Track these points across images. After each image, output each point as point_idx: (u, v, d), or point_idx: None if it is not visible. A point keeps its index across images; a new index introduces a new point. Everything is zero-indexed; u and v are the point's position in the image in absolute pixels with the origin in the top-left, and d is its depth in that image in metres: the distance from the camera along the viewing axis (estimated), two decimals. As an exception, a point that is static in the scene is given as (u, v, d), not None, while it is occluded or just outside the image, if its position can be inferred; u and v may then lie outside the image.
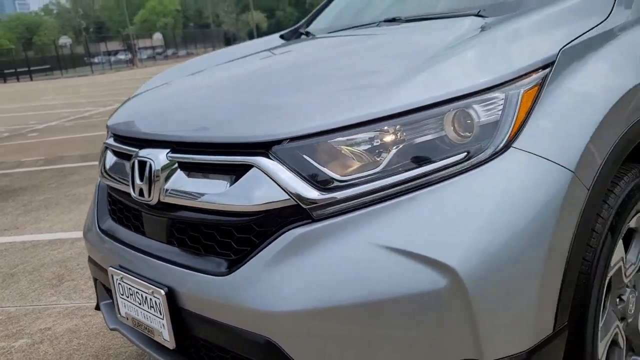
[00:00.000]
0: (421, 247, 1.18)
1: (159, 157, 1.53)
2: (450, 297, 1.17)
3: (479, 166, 1.24)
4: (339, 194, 1.26)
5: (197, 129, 1.54)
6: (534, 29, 1.49)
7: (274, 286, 1.28)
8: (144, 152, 1.58)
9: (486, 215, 1.19)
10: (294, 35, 2.71)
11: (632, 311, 1.63)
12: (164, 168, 1.52)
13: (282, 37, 2.70)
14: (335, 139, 1.30)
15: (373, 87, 1.39)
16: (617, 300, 1.58)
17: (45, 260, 3.61)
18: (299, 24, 2.91)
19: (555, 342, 1.27)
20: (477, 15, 1.84)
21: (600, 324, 1.47)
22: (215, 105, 1.63)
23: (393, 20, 2.19)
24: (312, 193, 1.27)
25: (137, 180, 1.58)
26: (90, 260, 1.97)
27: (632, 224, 1.54)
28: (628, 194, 1.45)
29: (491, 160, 1.24)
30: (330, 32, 2.43)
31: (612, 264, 1.44)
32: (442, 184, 1.23)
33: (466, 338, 1.19)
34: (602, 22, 1.55)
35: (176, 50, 63.70)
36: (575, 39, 1.44)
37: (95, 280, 2.03)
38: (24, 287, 3.23)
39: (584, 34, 1.47)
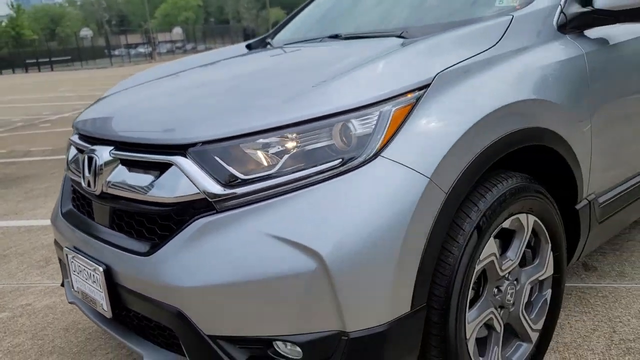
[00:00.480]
0: (297, 236, 1.43)
1: (103, 154, 1.80)
2: (318, 278, 1.42)
3: (351, 170, 1.49)
4: (238, 190, 1.52)
5: (135, 131, 1.80)
6: (423, 54, 1.73)
7: (183, 266, 1.54)
8: (93, 149, 1.85)
9: (352, 212, 1.44)
10: (260, 45, 2.97)
11: (512, 301, 1.86)
12: (107, 163, 1.79)
13: (247, 46, 2.96)
14: (241, 143, 1.56)
15: (276, 100, 1.64)
16: (495, 290, 1.81)
17: (36, 244, 3.92)
18: (267, 34, 3.17)
19: (413, 319, 1.52)
20: (399, 36, 2.09)
21: (472, 309, 1.71)
22: (152, 110, 1.90)
23: (336, 36, 2.44)
24: (216, 188, 1.52)
25: (86, 173, 1.85)
26: (55, 242, 2.25)
27: (506, 225, 1.77)
28: (499, 198, 1.69)
29: (362, 166, 1.49)
30: (286, 44, 2.69)
31: (481, 258, 1.68)
32: (320, 184, 1.48)
33: (331, 312, 1.44)
34: (487, 49, 1.78)
35: (195, 44, 64.32)
36: (455, 64, 1.67)
37: (59, 260, 2.30)
38: (13, 268, 3.54)
39: (465, 60, 1.71)
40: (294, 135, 1.54)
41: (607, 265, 2.84)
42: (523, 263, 1.93)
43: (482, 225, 1.65)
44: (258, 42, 3.03)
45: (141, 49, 59.27)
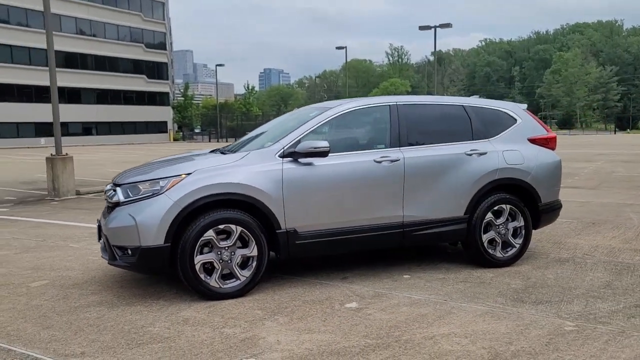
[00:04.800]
0: (134, 213, 4.70)
1: (109, 187, 5.28)
2: (135, 227, 4.66)
3: (156, 196, 4.70)
4: (127, 199, 4.84)
5: (117, 179, 5.24)
6: (202, 161, 4.90)
7: (112, 219, 4.88)
8: (108, 185, 5.35)
9: (149, 208, 4.66)
10: (217, 151, 6.29)
11: (229, 260, 4.81)
12: (108, 189, 5.25)
13: (211, 151, 6.30)
14: (136, 184, 4.88)
15: (154, 172, 4.93)
16: (219, 252, 4.79)
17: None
18: (231, 144, 6.48)
19: (164, 247, 4.64)
20: (223, 151, 5.27)
21: (202, 255, 4.74)
22: (127, 173, 5.32)
23: (218, 151, 5.68)
24: (122, 198, 4.87)
25: (104, 193, 5.35)
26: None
27: (222, 227, 4.76)
28: (213, 216, 4.72)
29: (158, 195, 4.70)
30: (217, 152, 5.99)
31: (204, 236, 4.70)
32: (147, 199, 4.73)
33: (137, 238, 4.65)
34: (234, 162, 4.90)
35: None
36: (210, 166, 4.82)
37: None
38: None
39: (219, 165, 4.84)
40: (149, 183, 4.82)
41: (353, 279, 5.46)
42: (243, 246, 4.87)
43: (204, 224, 4.71)
44: (219, 149, 6.35)
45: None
